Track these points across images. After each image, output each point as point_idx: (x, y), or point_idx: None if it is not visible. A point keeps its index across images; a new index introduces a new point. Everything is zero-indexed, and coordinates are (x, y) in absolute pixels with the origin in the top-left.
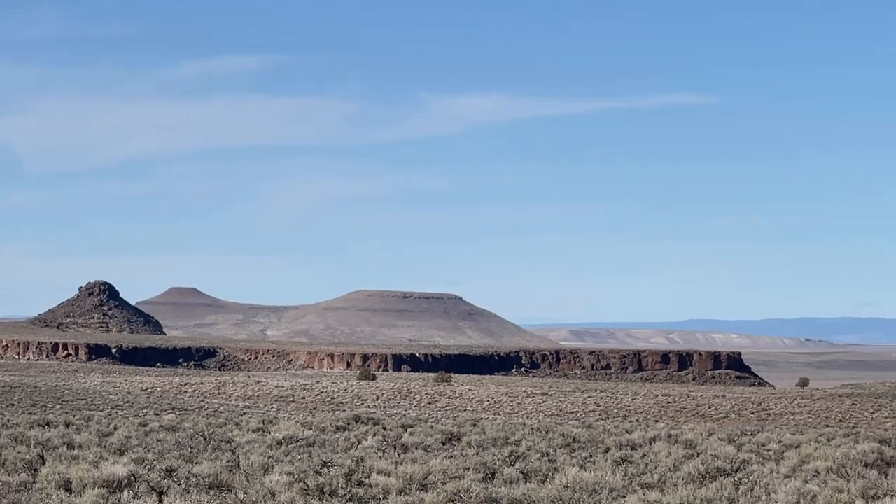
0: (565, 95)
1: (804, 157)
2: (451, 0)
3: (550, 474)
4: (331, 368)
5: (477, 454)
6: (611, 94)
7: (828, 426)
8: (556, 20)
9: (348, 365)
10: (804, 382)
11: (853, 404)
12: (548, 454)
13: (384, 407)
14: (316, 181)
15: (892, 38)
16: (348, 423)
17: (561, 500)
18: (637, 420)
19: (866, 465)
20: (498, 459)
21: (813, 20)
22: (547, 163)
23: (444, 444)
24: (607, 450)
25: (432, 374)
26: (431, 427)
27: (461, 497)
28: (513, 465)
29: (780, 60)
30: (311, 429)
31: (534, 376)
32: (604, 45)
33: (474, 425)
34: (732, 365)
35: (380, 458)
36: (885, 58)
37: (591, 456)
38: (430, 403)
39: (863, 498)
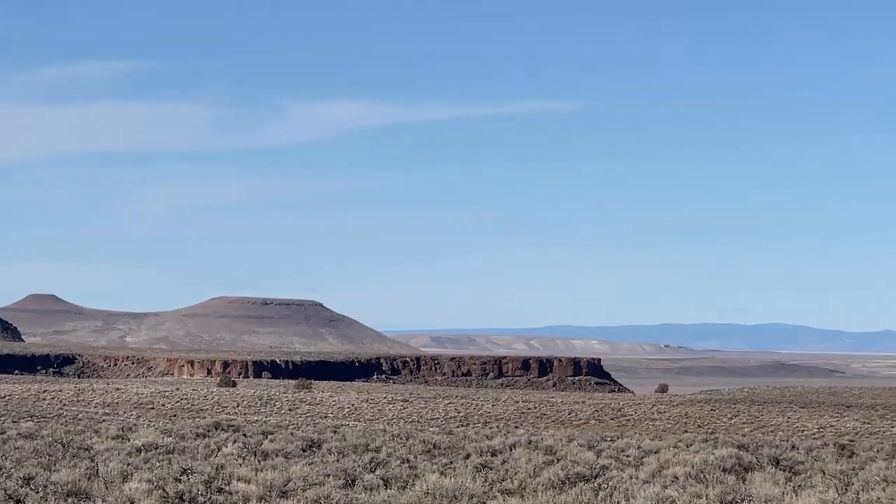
0: (428, 101)
1: (667, 161)
2: (316, 4)
3: (411, 481)
4: (191, 375)
5: (337, 461)
6: (474, 100)
7: (686, 432)
8: (421, 26)
9: (208, 372)
10: (663, 388)
11: (712, 410)
12: (408, 460)
13: (244, 414)
14: (176, 187)
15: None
16: (208, 430)
17: None
18: (497, 426)
19: (725, 471)
20: (358, 466)
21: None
22: (407, 169)
23: (304, 450)
24: (468, 456)
25: (293, 381)
26: (292, 434)
27: (322, 503)
28: (373, 472)
29: (643, 65)
30: (170, 436)
31: (395, 383)
32: (469, 51)
33: (335, 432)
34: (592, 371)
35: (240, 464)
36: (740, 61)
37: (451, 462)
38: (290, 410)
39: (721, 503)
